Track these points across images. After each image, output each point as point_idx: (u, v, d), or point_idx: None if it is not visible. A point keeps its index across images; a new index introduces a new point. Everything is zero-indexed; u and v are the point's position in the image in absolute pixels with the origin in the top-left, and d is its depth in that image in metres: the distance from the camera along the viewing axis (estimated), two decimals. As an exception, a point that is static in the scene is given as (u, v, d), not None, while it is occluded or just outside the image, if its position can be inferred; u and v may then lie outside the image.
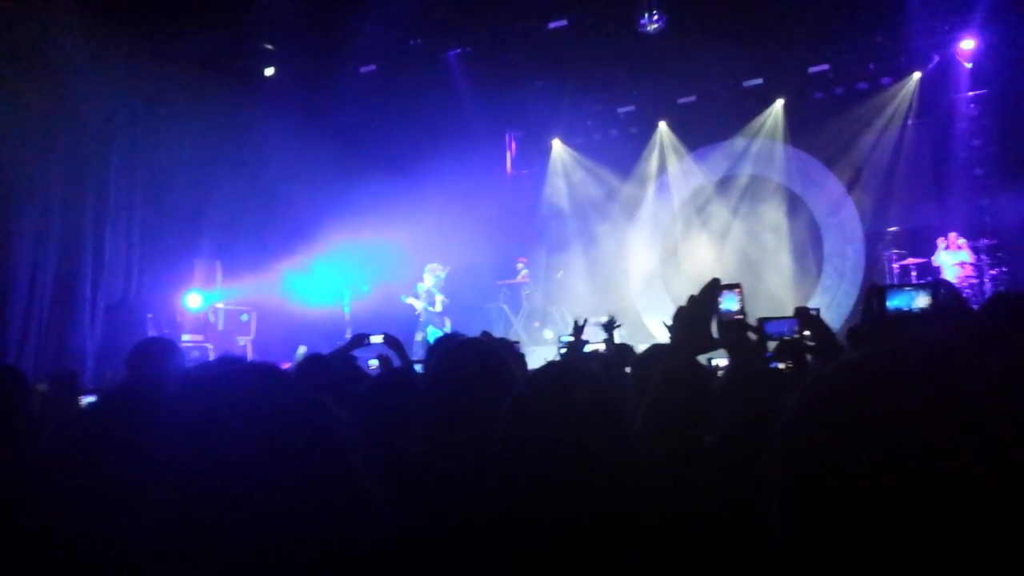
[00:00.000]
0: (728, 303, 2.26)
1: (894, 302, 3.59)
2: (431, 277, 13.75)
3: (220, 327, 12.60)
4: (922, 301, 3.58)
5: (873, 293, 3.71)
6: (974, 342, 0.80)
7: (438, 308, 13.53)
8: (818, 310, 3.76)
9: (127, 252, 12.71)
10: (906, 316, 3.45)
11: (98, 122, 11.95)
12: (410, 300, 13.63)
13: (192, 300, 12.41)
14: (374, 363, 6.06)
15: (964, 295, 11.15)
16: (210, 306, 12.65)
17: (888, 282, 12.65)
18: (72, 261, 11.77)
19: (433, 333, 12.46)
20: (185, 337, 11.74)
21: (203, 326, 12.44)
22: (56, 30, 10.94)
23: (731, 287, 2.27)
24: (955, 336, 0.81)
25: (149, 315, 12.06)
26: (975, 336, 0.82)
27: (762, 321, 4.08)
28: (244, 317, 13.02)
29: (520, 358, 4.32)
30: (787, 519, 0.81)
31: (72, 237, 11.79)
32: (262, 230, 13.46)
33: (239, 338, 12.73)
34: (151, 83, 12.14)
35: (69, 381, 6.09)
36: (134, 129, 12.60)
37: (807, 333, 3.55)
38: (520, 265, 15.56)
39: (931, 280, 9.74)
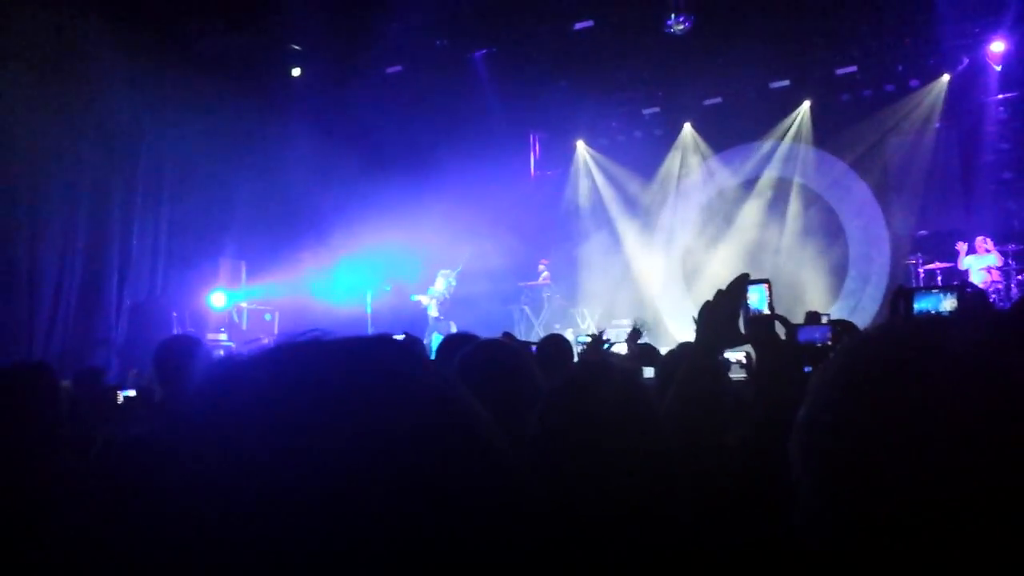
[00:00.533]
0: (757, 299, 2.24)
1: (921, 304, 3.56)
2: (443, 282, 13.76)
3: (244, 326, 12.69)
4: (949, 304, 3.55)
5: (900, 295, 3.68)
6: (1000, 341, 0.80)
7: (436, 312, 13.50)
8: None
9: (153, 251, 12.84)
10: (933, 318, 3.42)
11: (125, 123, 12.06)
12: (419, 298, 13.68)
13: (217, 299, 12.50)
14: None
15: (991, 299, 11.02)
16: (234, 305, 12.74)
17: (914, 285, 12.53)
18: (99, 260, 11.91)
19: (437, 339, 12.42)
20: (209, 336, 11.82)
21: (227, 325, 12.53)
22: (83, 34, 11.08)
23: (759, 282, 2.25)
24: (980, 334, 0.82)
25: (174, 313, 12.16)
26: (1002, 336, 0.82)
27: (795, 328, 4.07)
28: (267, 316, 13.10)
29: (567, 351, 4.28)
30: (821, 492, 0.83)
31: (99, 236, 11.92)
32: (287, 230, 13.52)
33: (263, 337, 12.80)
34: (178, 84, 12.25)
35: (91, 378, 6.15)
36: (161, 130, 12.71)
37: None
38: (542, 267, 15.55)
39: (958, 283, 9.64)
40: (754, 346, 2.23)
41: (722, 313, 2.15)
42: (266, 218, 13.62)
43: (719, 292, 2.19)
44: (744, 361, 5.75)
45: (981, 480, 0.72)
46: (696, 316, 2.21)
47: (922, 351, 0.81)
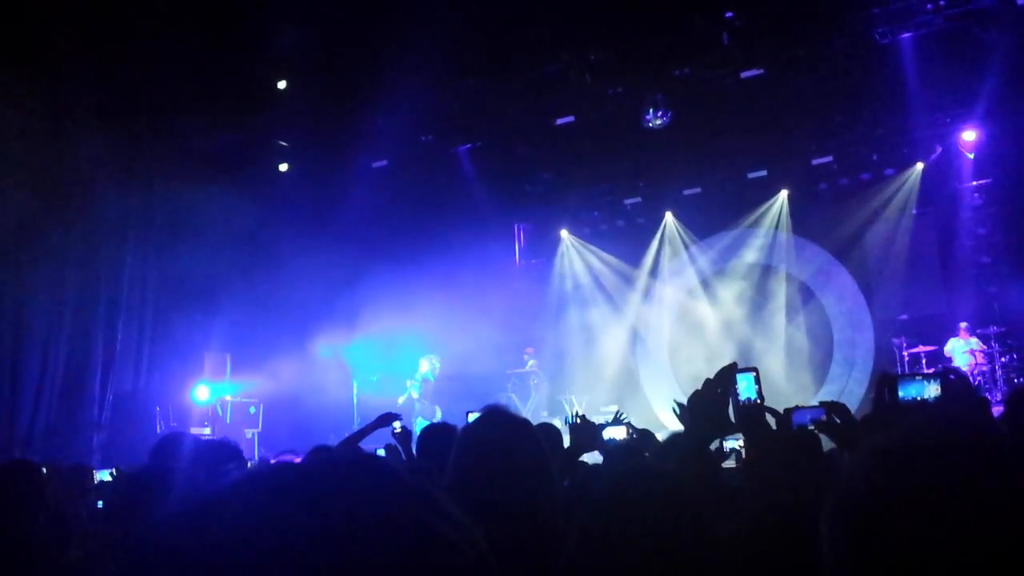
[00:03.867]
0: (746, 387, 2.26)
1: (906, 391, 3.59)
2: (426, 364, 13.66)
3: (228, 420, 12.55)
4: (932, 390, 3.58)
5: (884, 382, 3.71)
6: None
7: (418, 395, 13.34)
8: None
9: (138, 344, 12.78)
10: (918, 405, 3.44)
11: (112, 216, 12.16)
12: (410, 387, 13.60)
13: (201, 392, 12.40)
14: (381, 452, 6.02)
15: (975, 383, 11.07)
16: (218, 398, 12.63)
17: (899, 370, 12.58)
18: (83, 353, 11.84)
19: (420, 424, 12.19)
20: (194, 430, 11.67)
21: (211, 418, 12.39)
22: (71, 128, 11.26)
23: (747, 371, 2.27)
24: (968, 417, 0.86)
25: (157, 408, 12.03)
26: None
27: (789, 411, 4.11)
28: (252, 409, 12.98)
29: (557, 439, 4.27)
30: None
31: (83, 329, 11.89)
32: (273, 322, 13.50)
33: (247, 430, 12.65)
34: (167, 179, 12.43)
35: (75, 475, 6.06)
36: (149, 223, 12.82)
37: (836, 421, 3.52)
38: (527, 355, 15.52)
39: (941, 368, 9.69)
40: (745, 434, 2.23)
41: (711, 402, 2.16)
42: (253, 310, 13.61)
43: (707, 381, 2.20)
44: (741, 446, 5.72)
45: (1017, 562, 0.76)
46: (676, 406, 2.22)
47: (963, 435, 0.86)
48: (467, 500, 2.12)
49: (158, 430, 11.46)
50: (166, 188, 12.58)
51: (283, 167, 13.89)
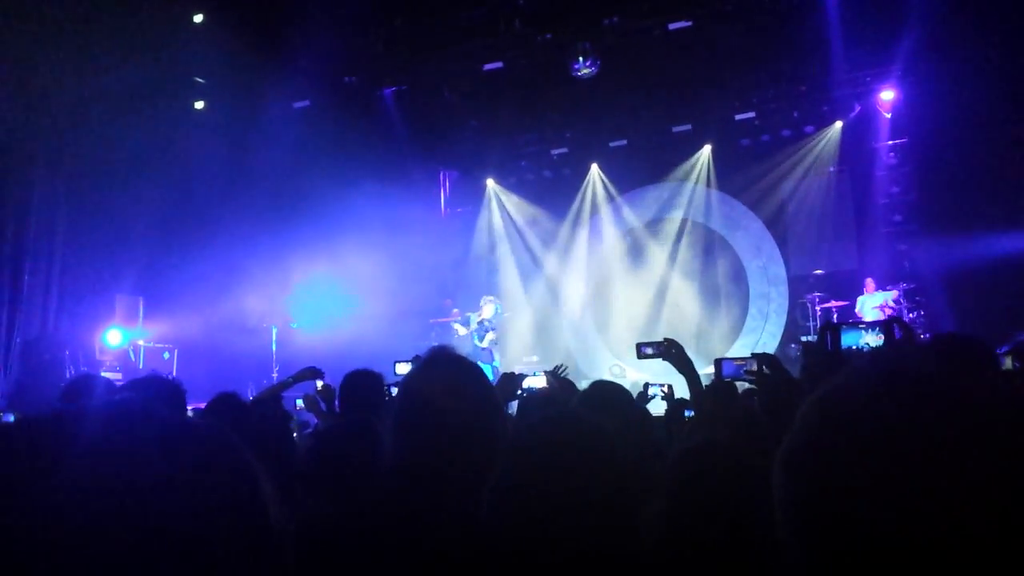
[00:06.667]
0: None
1: (847, 339, 3.68)
2: (491, 308, 13.53)
3: (140, 365, 12.24)
4: (872, 339, 3.67)
5: (828, 329, 3.80)
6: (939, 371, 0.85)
7: (484, 344, 13.28)
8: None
9: (46, 288, 12.30)
10: (859, 354, 3.53)
11: (16, 153, 11.60)
12: (457, 327, 13.52)
13: (112, 337, 12.06)
14: (300, 403, 5.93)
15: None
16: (130, 343, 12.30)
17: (812, 325, 12.95)
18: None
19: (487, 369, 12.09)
20: (104, 374, 11.35)
21: (123, 363, 12.07)
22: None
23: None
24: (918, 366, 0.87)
25: (66, 352, 11.66)
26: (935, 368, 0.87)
27: (718, 362, 4.24)
28: (166, 355, 12.68)
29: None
30: (798, 534, 0.86)
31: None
32: (188, 266, 13.13)
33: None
34: (76, 109, 11.85)
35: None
36: (57, 161, 12.27)
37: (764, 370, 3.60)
38: (448, 303, 15.39)
39: (887, 318, 9.90)
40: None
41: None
42: (167, 253, 13.23)
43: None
44: (666, 391, 5.90)
45: (961, 506, 0.75)
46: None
47: (909, 381, 0.84)
48: (416, 461, 1.94)
49: (68, 375, 11.13)
50: (75, 124, 12.03)
51: (199, 104, 13.41)
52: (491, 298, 13.84)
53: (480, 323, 13.48)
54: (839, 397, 0.88)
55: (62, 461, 0.67)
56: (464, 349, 12.47)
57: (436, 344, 2.17)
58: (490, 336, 13.40)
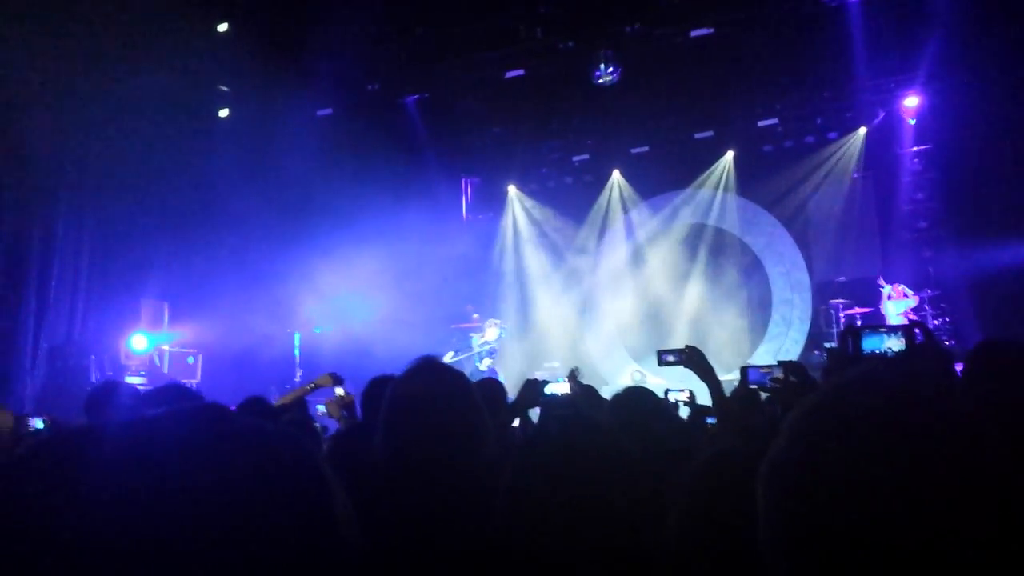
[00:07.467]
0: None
1: (869, 343, 3.63)
2: (494, 332, 13.54)
3: (165, 369, 12.35)
4: (895, 344, 3.62)
5: (849, 333, 3.75)
6: (947, 383, 0.86)
7: (484, 368, 13.30)
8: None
9: (72, 293, 12.44)
10: (881, 358, 3.48)
11: (45, 158, 11.75)
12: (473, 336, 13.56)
13: (137, 342, 12.17)
14: (322, 409, 5.95)
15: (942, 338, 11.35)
16: (156, 348, 12.41)
17: (835, 331, 12.86)
18: (15, 302, 11.50)
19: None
20: (129, 380, 11.46)
21: (148, 368, 12.18)
22: (2, 71, 10.79)
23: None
24: (926, 377, 0.87)
25: (92, 357, 11.78)
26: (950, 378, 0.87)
27: (744, 369, 4.22)
28: (190, 360, 12.79)
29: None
30: (779, 546, 0.87)
31: (16, 277, 11.53)
32: (213, 271, 13.25)
33: (185, 381, 12.47)
34: (102, 120, 11.99)
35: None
36: (83, 167, 12.42)
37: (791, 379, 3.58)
38: (470, 308, 15.40)
39: (908, 323, 9.80)
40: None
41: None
42: (191, 259, 13.35)
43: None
44: (687, 398, 5.83)
45: (942, 527, 0.76)
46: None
47: (899, 400, 0.85)
48: (400, 458, 2.11)
49: (93, 380, 11.25)
50: (101, 132, 12.17)
51: (224, 112, 13.53)
52: (496, 321, 13.83)
53: (482, 345, 13.49)
54: (816, 415, 0.88)
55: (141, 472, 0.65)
56: (467, 368, 12.62)
57: (423, 355, 2.41)
58: (487, 362, 13.39)
